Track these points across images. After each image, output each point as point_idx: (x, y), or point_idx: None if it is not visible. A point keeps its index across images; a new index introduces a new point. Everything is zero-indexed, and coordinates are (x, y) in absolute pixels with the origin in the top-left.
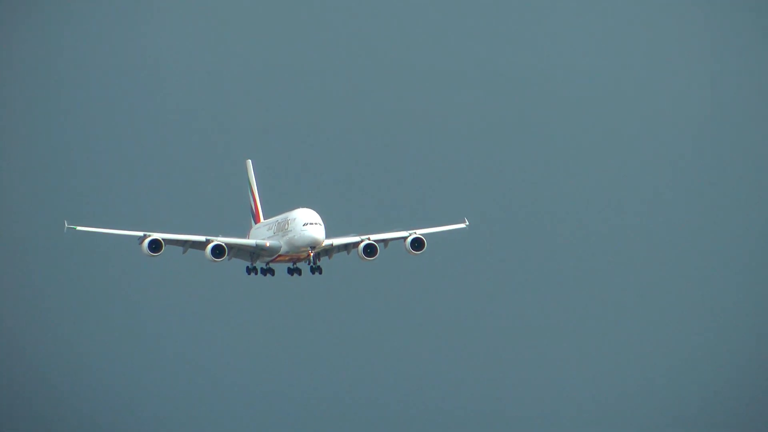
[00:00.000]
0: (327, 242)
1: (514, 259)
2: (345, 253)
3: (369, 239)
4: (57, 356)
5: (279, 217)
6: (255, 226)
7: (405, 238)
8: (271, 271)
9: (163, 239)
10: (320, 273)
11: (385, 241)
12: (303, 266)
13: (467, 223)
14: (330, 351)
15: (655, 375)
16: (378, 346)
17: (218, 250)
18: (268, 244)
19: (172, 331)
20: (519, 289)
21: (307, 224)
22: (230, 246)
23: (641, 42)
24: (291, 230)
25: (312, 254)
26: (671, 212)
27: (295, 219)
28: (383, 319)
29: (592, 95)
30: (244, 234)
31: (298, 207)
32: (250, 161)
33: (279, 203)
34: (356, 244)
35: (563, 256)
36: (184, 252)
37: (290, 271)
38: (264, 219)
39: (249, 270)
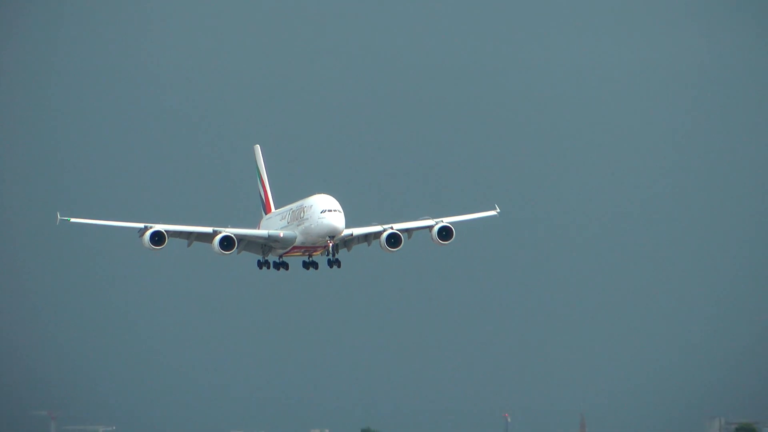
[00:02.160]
0: (347, 232)
1: (539, 250)
2: (365, 244)
3: (392, 228)
4: (49, 357)
5: (293, 205)
6: (266, 217)
7: (431, 227)
8: (285, 265)
9: (166, 231)
10: (339, 266)
11: (409, 231)
12: (320, 259)
13: (498, 210)
14: (350, 352)
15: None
16: (402, 347)
17: (227, 242)
18: (282, 235)
19: (176, 332)
20: (548, 285)
21: (325, 211)
22: (240, 237)
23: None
24: (307, 218)
25: (331, 245)
26: (690, 210)
27: (311, 206)
28: (408, 318)
29: (610, 90)
30: (254, 225)
31: (313, 194)
32: (258, 146)
33: (291, 192)
34: (378, 234)
35: (585, 245)
36: (188, 245)
37: (306, 265)
38: (275, 208)
39: (261, 264)
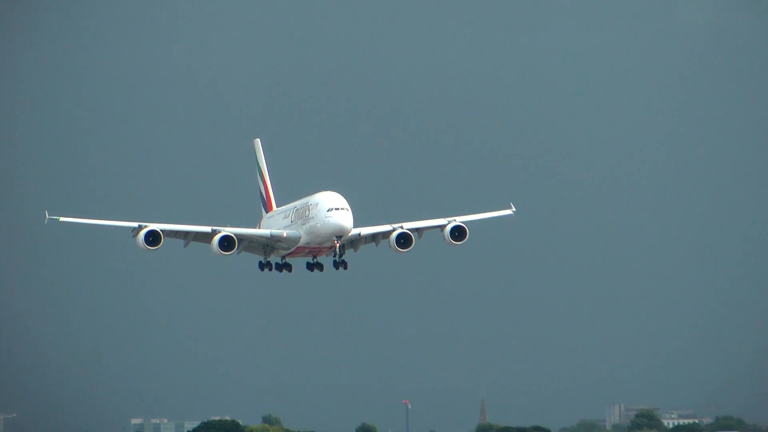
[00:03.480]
0: (354, 232)
1: (559, 249)
2: (373, 244)
3: (402, 228)
4: (37, 363)
5: (297, 203)
6: (267, 215)
7: (443, 226)
8: (288, 267)
9: (161, 230)
10: (345, 268)
11: (419, 231)
12: (324, 260)
13: (514, 209)
14: (354, 354)
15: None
16: (414, 354)
17: (227, 242)
18: (285, 235)
19: (174, 334)
20: (564, 289)
21: (332, 209)
22: (241, 237)
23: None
24: (313, 217)
25: (338, 245)
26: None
27: (317, 204)
28: (419, 323)
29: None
30: (254, 224)
31: (319, 191)
32: (258, 141)
33: (294, 189)
34: (387, 234)
35: (601, 241)
36: (185, 245)
37: (310, 267)
38: (277, 206)
39: (262, 265)
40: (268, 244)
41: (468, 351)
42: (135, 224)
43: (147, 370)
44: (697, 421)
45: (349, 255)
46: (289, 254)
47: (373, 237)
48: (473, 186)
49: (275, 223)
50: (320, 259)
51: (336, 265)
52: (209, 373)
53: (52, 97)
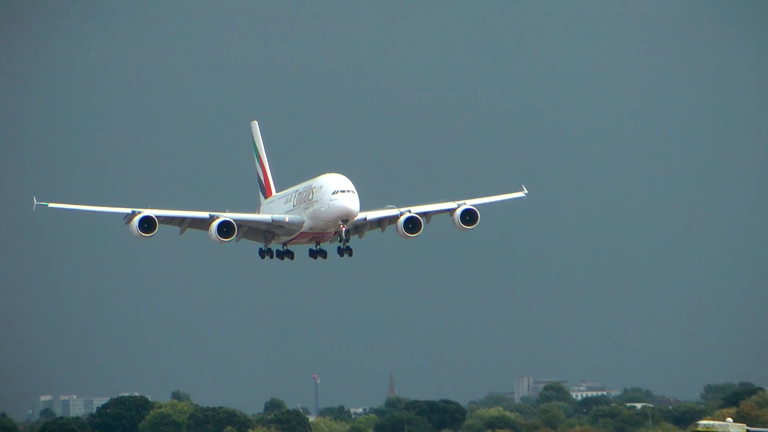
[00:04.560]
0: (360, 216)
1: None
2: (379, 230)
3: (410, 212)
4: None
5: (300, 187)
6: (267, 201)
7: (453, 210)
8: (290, 254)
9: (156, 216)
10: (350, 255)
11: (427, 215)
12: (328, 247)
13: (526, 191)
14: (267, 333)
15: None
16: (323, 329)
17: (226, 229)
18: (287, 220)
19: (83, 312)
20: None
21: (337, 192)
22: (240, 223)
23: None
24: (317, 201)
25: (344, 230)
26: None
27: (321, 187)
28: (327, 299)
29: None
30: (252, 209)
31: (322, 174)
32: (255, 123)
33: (294, 173)
34: (395, 219)
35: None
36: (181, 232)
37: (313, 254)
38: (276, 191)
39: (263, 253)
40: (269, 230)
41: (376, 326)
42: (128, 210)
43: (56, 347)
44: (605, 393)
45: (354, 241)
46: (290, 240)
47: (379, 222)
48: (482, 168)
49: (276, 209)
50: (323, 245)
51: (340, 251)
52: (118, 350)
53: (47, 85)
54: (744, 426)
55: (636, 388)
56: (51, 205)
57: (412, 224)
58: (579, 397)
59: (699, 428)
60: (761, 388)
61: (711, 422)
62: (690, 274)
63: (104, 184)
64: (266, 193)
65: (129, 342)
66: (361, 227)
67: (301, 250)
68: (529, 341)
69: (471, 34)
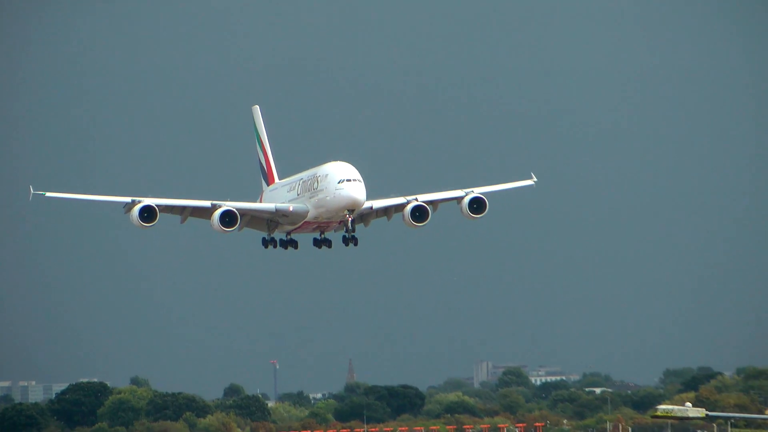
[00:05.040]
0: (366, 205)
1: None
2: (384, 218)
3: (417, 200)
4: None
5: (304, 175)
6: (269, 188)
7: (460, 198)
8: (293, 243)
9: (157, 205)
10: (355, 244)
11: (434, 203)
12: (332, 236)
13: (535, 179)
14: (226, 318)
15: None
16: (282, 315)
17: (229, 218)
18: (291, 209)
19: (42, 297)
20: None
21: (343, 181)
22: (243, 212)
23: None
24: (322, 190)
25: (350, 220)
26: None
27: (327, 175)
28: (287, 285)
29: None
30: (253, 197)
31: (327, 161)
32: (257, 107)
33: (297, 161)
34: (401, 207)
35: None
36: (182, 221)
37: (317, 243)
38: (279, 179)
39: (266, 242)
40: (273, 219)
41: (335, 312)
42: (128, 199)
43: (14, 333)
44: (564, 378)
45: (360, 230)
46: (294, 230)
47: (385, 210)
48: (489, 156)
49: (279, 197)
50: (328, 234)
51: (345, 240)
52: (77, 336)
53: (42, 73)
54: (703, 410)
55: (595, 372)
56: (48, 194)
57: (419, 213)
58: (538, 382)
59: (658, 413)
60: (720, 373)
61: (670, 407)
62: (649, 261)
63: (103, 173)
64: (268, 180)
65: (88, 328)
66: (366, 216)
67: (305, 239)
68: (488, 326)
69: (480, 22)
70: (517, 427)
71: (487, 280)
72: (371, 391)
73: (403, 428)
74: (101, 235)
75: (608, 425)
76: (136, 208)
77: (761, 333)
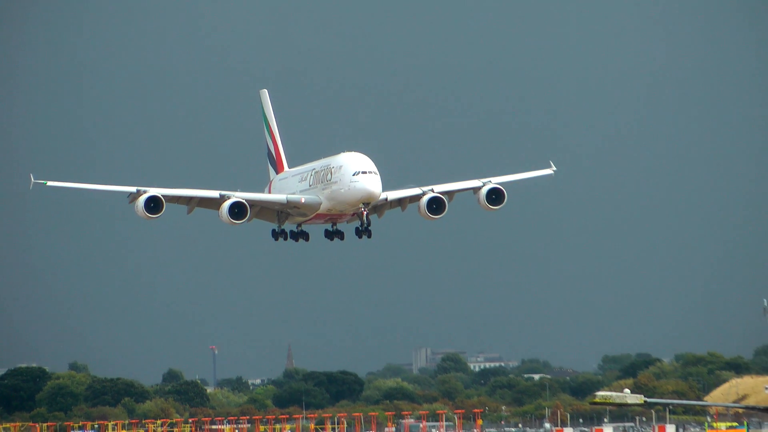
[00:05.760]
0: (381, 196)
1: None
2: (399, 208)
3: (433, 191)
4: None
5: (316, 165)
6: (278, 177)
7: (478, 188)
8: (305, 235)
9: (163, 196)
10: (369, 236)
11: (450, 194)
12: (344, 227)
13: (554, 168)
14: (166, 304)
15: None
16: (221, 300)
17: (238, 210)
18: (303, 200)
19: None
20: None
21: (358, 173)
22: (253, 203)
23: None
24: (336, 182)
25: (366, 213)
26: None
27: (341, 167)
28: (226, 270)
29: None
30: (260, 186)
31: (335, 150)
32: (266, 92)
33: (307, 148)
34: (415, 198)
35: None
36: (189, 211)
37: (329, 235)
38: (289, 167)
39: (276, 234)
40: (283, 211)
41: (274, 297)
42: (133, 189)
43: None
44: (503, 364)
45: (373, 221)
46: (306, 221)
47: (399, 201)
48: (504, 144)
49: (289, 186)
50: (340, 226)
51: (359, 232)
52: (15, 320)
53: (46, 60)
54: (642, 397)
55: (534, 359)
56: (50, 183)
57: (436, 205)
58: (477, 368)
59: (596, 399)
60: (659, 359)
61: (609, 393)
62: (586, 249)
63: (106, 162)
64: (277, 169)
65: (26, 313)
66: (380, 207)
67: (316, 230)
68: (427, 312)
69: (494, 12)
70: (455, 413)
71: (425, 268)
72: (310, 377)
73: (342, 414)
74: (23, 222)
75: (547, 411)
76: (142, 198)
77: (699, 319)
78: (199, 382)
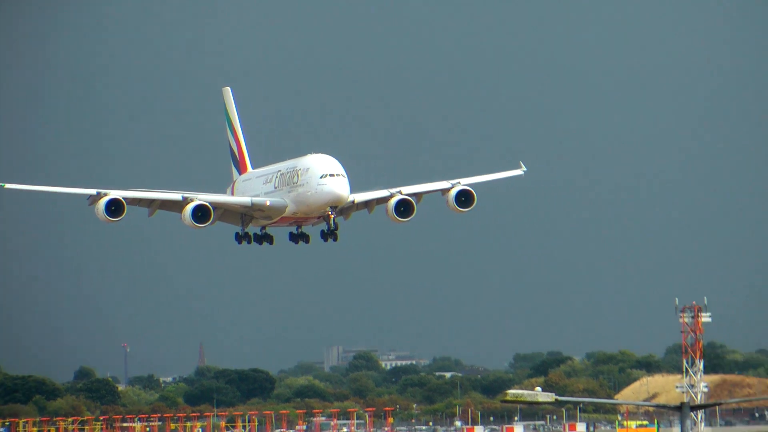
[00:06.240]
0: (349, 199)
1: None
2: (366, 210)
3: (401, 193)
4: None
5: (282, 166)
6: (242, 178)
7: (447, 190)
8: (269, 238)
9: (124, 198)
10: (335, 240)
11: (418, 195)
12: (310, 230)
13: (524, 168)
14: (77, 301)
15: None
16: (132, 297)
17: (201, 213)
18: (268, 203)
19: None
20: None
21: (326, 176)
22: (216, 206)
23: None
24: (303, 184)
25: (333, 216)
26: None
27: (308, 169)
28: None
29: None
30: (224, 187)
31: (306, 153)
32: (229, 90)
33: (273, 148)
34: (383, 200)
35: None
36: (150, 214)
37: (294, 237)
38: (253, 168)
39: (239, 237)
40: (247, 213)
41: (186, 295)
42: (93, 191)
43: None
44: (414, 362)
45: (339, 223)
46: (271, 224)
47: (366, 203)
48: (471, 146)
49: (253, 188)
50: (306, 228)
51: (325, 235)
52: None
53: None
54: (553, 395)
55: (445, 357)
56: (8, 185)
57: (404, 207)
58: (388, 367)
59: (508, 397)
60: (570, 357)
61: (520, 391)
62: (498, 248)
63: (64, 163)
64: (241, 169)
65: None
66: (347, 209)
67: (281, 233)
68: (339, 311)
69: (462, 8)
70: (366, 411)
71: (338, 267)
72: (222, 375)
73: (253, 412)
74: None
75: (458, 410)
76: (103, 202)
77: (611, 318)
78: (110, 379)
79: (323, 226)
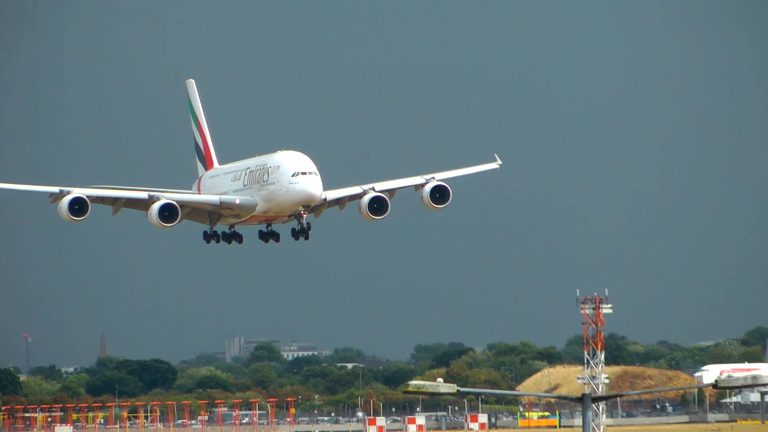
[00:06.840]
0: (321, 197)
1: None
2: (337, 207)
3: (374, 190)
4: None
5: (251, 163)
6: (209, 174)
7: (421, 185)
8: (238, 237)
9: (88, 196)
10: (306, 238)
11: (390, 191)
12: (280, 228)
13: (500, 162)
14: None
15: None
16: (35, 288)
17: (168, 212)
18: (238, 202)
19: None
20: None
21: (297, 174)
22: (183, 204)
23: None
24: (273, 183)
25: (305, 215)
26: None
27: (279, 167)
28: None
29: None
30: (189, 184)
31: (276, 149)
32: (192, 82)
33: (240, 142)
34: (355, 197)
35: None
36: (114, 212)
37: (263, 236)
38: (219, 164)
39: (208, 236)
40: (215, 212)
41: (88, 285)
42: (55, 189)
43: None
44: (316, 353)
45: (310, 220)
46: (239, 222)
47: (338, 200)
48: (444, 139)
49: (221, 185)
50: (275, 226)
51: (295, 233)
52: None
53: None
54: (455, 386)
55: (347, 348)
56: None
57: (377, 204)
58: (290, 357)
59: (409, 388)
60: (471, 349)
61: (421, 382)
62: (402, 239)
63: (24, 160)
64: (207, 164)
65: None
66: (318, 207)
67: (250, 231)
68: (240, 301)
69: (434, 7)
70: (268, 402)
71: (238, 257)
72: (123, 365)
73: (155, 402)
74: None
75: (359, 400)
76: (66, 200)
77: (512, 309)
78: (12, 369)
79: (294, 224)
